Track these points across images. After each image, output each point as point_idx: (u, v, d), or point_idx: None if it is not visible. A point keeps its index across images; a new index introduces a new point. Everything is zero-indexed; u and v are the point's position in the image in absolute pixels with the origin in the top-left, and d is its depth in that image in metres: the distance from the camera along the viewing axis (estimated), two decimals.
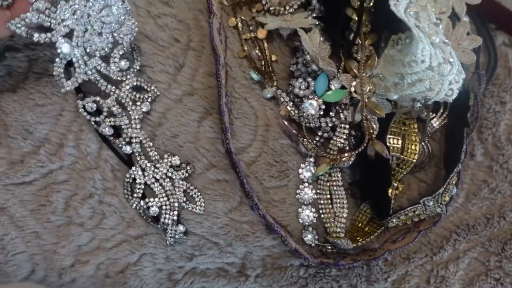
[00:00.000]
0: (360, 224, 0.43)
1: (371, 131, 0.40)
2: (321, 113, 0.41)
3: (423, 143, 0.44)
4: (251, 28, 0.45)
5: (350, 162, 0.41)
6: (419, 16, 0.39)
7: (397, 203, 0.44)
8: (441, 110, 0.44)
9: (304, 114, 0.41)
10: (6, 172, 0.41)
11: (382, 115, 0.39)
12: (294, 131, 0.42)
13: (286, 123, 0.42)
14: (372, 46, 0.42)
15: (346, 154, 0.41)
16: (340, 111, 0.41)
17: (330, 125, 0.42)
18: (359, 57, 0.41)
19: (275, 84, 0.44)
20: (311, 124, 0.42)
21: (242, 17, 0.45)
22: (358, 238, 0.43)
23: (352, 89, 0.41)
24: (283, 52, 0.45)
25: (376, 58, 0.40)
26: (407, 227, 0.44)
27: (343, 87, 0.41)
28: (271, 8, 0.45)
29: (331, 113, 0.42)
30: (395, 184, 0.43)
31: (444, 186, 0.41)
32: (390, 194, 0.43)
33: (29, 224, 0.42)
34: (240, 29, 0.45)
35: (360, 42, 0.42)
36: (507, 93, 0.46)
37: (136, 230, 0.43)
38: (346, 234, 0.43)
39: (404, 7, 0.39)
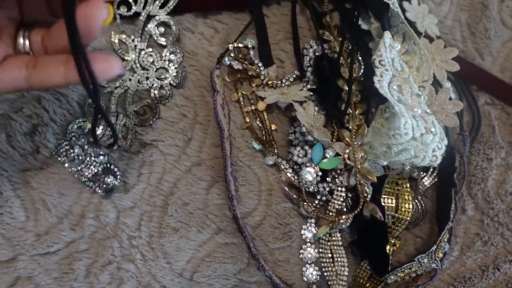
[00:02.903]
0: (361, 280, 0.46)
1: (365, 194, 0.43)
2: (319, 179, 0.45)
3: (416, 201, 0.47)
4: (251, 101, 0.50)
5: (348, 224, 0.44)
6: (402, 89, 0.43)
7: (395, 259, 0.47)
8: (431, 169, 0.48)
9: (303, 180, 0.44)
10: (33, 244, 0.45)
11: (374, 180, 0.43)
12: (294, 196, 0.45)
13: (286, 188, 0.46)
14: (362, 115, 0.46)
15: (343, 217, 0.44)
16: (336, 176, 0.45)
17: (327, 189, 0.45)
18: (350, 126, 0.46)
19: (275, 152, 0.48)
20: (310, 189, 0.45)
21: (243, 92, 0.50)
22: None
23: (346, 156, 0.44)
24: (282, 121, 0.49)
25: (366, 127, 0.44)
26: (406, 281, 0.46)
27: (337, 154, 0.45)
28: (269, 82, 0.50)
29: (328, 179, 0.45)
30: (392, 241, 0.46)
31: (437, 244, 0.43)
32: (388, 251, 0.46)
33: None
34: (242, 102, 0.49)
35: (351, 111, 0.47)
36: (493, 150, 0.49)
37: None
38: None
39: (388, 81, 0.43)
